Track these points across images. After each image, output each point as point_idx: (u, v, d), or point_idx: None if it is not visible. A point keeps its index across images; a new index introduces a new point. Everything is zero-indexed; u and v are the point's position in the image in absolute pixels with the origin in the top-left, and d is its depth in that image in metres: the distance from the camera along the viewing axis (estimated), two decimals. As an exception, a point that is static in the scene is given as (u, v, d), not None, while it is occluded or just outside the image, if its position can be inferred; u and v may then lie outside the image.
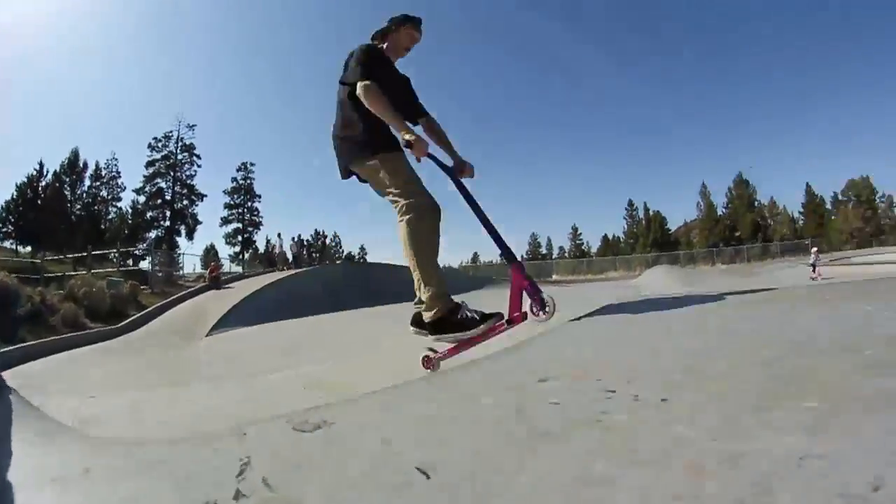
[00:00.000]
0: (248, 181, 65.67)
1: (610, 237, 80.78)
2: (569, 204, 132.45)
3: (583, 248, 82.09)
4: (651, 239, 70.60)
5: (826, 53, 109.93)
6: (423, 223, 3.14)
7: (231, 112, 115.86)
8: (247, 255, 60.48)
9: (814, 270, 20.36)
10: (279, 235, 35.43)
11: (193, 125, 60.71)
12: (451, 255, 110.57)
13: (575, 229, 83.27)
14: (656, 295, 4.94)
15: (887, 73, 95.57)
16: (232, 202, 64.65)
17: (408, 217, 3.12)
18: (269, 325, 11.25)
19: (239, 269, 41.89)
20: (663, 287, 18.67)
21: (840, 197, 68.11)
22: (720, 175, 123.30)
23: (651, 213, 74.49)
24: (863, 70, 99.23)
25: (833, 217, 67.27)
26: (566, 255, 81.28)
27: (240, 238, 63.48)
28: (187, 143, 59.94)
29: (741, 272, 29.45)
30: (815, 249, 23.68)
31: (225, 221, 63.72)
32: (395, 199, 3.19)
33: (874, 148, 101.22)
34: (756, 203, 70.98)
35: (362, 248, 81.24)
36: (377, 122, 3.17)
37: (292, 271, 23.94)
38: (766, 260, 49.48)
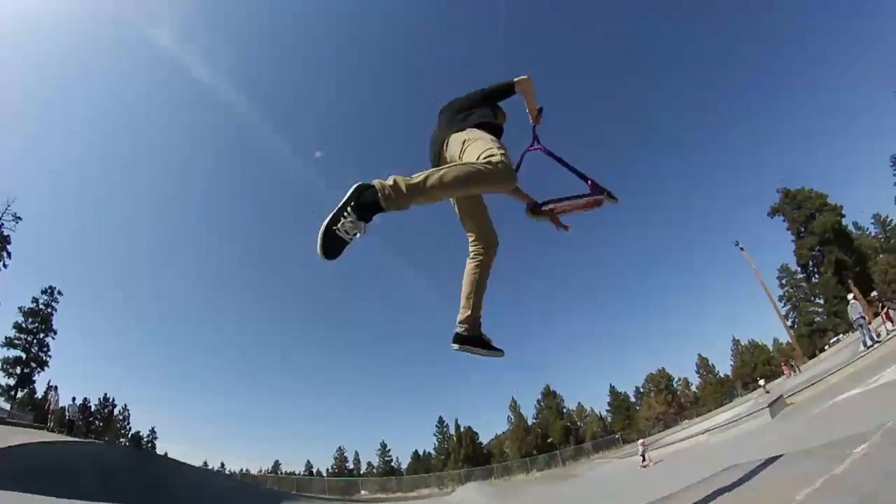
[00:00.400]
0: (49, 310, 51.94)
1: (421, 453, 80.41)
2: (378, 420, 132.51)
3: (392, 464, 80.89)
4: (463, 454, 70.49)
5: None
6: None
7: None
8: (20, 394, 48.11)
9: (644, 458, 20.92)
10: (55, 389, 29.05)
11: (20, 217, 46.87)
12: (249, 461, 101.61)
13: (384, 445, 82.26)
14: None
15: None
16: (23, 324, 50.09)
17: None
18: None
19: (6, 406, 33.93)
20: (482, 502, 17.47)
21: (642, 390, 77.23)
22: (530, 387, 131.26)
23: (462, 428, 75.30)
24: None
25: (638, 408, 75.47)
26: (374, 471, 79.42)
27: (19, 370, 48.08)
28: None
29: (559, 476, 28.91)
30: (641, 441, 24.74)
31: (8, 343, 48.77)
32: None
33: (664, 344, 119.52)
34: (564, 410, 75.82)
35: (153, 431, 72.23)
36: None
37: (62, 437, 19.85)
38: (580, 460, 50.14)
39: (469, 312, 3.66)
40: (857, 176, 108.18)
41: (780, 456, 3.74)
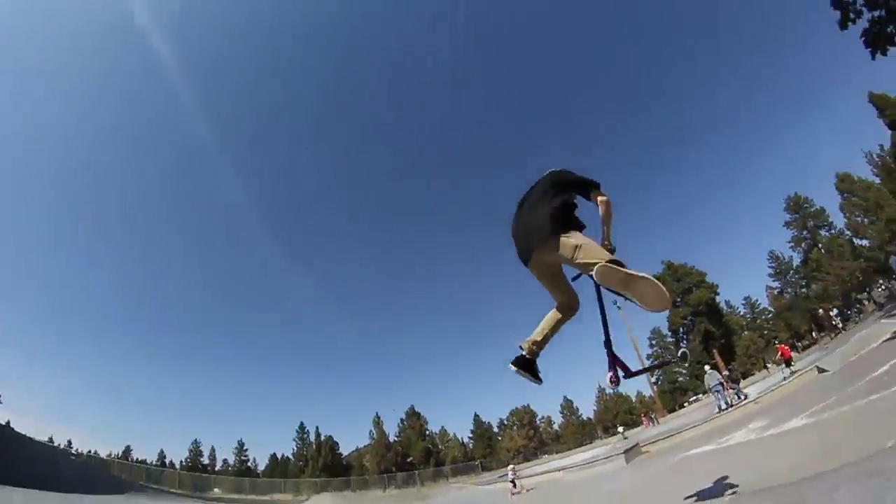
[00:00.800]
0: None
1: (279, 456, 78.27)
2: (238, 417, 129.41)
3: (248, 464, 78.45)
4: (322, 463, 69.10)
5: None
6: None
7: None
8: None
9: (515, 485, 20.58)
10: None
11: None
12: (99, 442, 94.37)
13: (241, 444, 79.60)
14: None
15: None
16: None
17: None
18: None
19: None
20: None
21: (506, 422, 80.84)
22: (395, 404, 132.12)
23: (323, 437, 73.85)
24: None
25: (500, 438, 78.35)
26: (229, 468, 76.74)
27: None
28: None
29: (413, 496, 28.75)
30: (511, 467, 24.18)
31: None
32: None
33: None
34: (427, 431, 76.02)
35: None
36: None
37: None
38: (438, 481, 50.45)
39: (538, 346, 4.50)
40: (736, 261, 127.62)
41: None
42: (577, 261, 3.77)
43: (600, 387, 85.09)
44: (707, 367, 24.30)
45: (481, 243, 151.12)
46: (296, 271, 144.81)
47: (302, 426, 75.83)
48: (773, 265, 76.12)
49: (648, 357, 74.93)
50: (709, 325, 65.92)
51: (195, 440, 79.62)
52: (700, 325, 65.86)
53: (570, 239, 3.86)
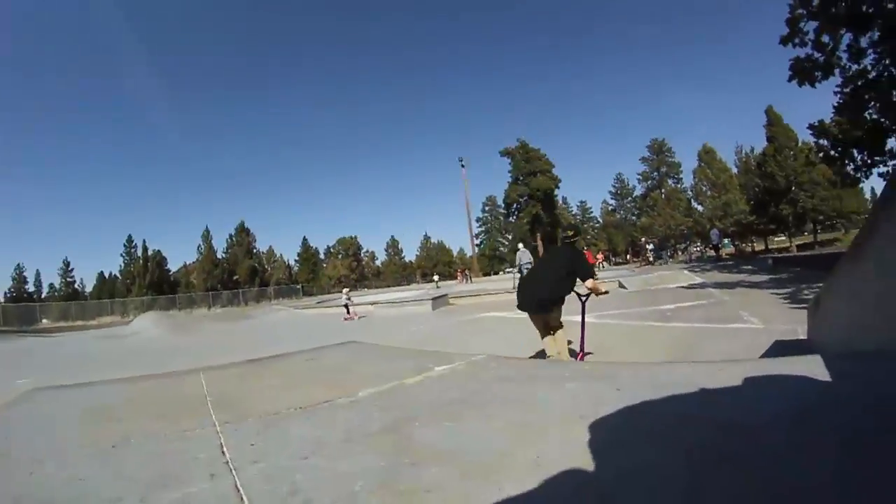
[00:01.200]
0: None
1: (107, 275, 74.09)
2: (60, 233, 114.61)
3: (76, 286, 73.77)
4: (148, 280, 66.92)
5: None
6: None
7: None
8: None
9: (348, 311, 21.02)
10: None
11: None
12: None
13: (67, 264, 74.03)
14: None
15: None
16: None
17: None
18: None
19: None
20: (156, 336, 17.69)
21: (332, 250, 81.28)
22: (225, 220, 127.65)
23: (150, 251, 70.40)
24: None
25: (324, 265, 78.57)
26: (56, 294, 70.85)
27: None
28: None
29: (236, 316, 29.81)
30: (346, 290, 24.57)
31: None
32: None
33: (363, 214, 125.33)
34: (255, 250, 75.60)
35: None
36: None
37: None
38: (262, 302, 51.85)
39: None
40: (586, 169, 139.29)
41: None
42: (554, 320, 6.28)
43: (427, 234, 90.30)
44: (521, 246, 26.05)
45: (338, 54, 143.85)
46: (127, 55, 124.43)
47: (130, 240, 71.29)
48: (617, 185, 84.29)
49: (479, 220, 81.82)
50: (540, 211, 70.39)
51: (18, 265, 72.37)
52: (533, 208, 70.08)
53: (557, 313, 6.22)
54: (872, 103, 20.84)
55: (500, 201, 79.16)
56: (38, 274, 73.84)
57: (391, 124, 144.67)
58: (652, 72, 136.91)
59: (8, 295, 68.32)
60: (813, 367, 2.55)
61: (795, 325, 7.27)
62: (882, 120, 20.83)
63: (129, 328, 22.42)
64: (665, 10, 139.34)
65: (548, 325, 6.29)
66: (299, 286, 63.71)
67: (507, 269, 65.54)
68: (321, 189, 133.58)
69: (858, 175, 22.59)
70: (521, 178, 71.40)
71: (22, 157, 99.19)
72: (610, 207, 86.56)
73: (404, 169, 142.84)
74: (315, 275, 77.61)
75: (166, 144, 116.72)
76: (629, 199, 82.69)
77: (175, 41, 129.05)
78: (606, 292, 6.23)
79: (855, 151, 22.18)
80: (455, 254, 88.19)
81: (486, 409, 2.74)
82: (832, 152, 23.13)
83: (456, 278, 54.76)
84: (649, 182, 76.71)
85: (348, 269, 77.93)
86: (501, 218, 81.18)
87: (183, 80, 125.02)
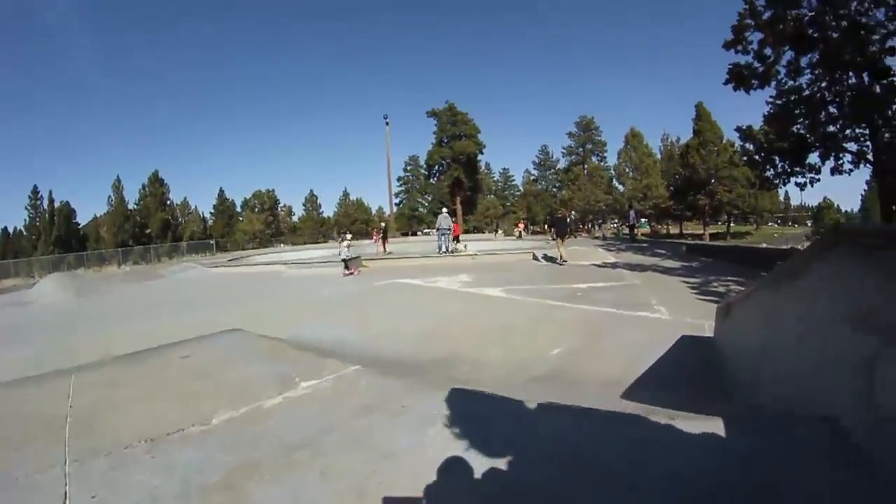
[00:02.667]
0: None
1: (11, 231, 66.40)
2: None
3: None
4: (55, 236, 61.78)
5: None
6: None
7: None
8: None
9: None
10: None
11: None
12: None
13: None
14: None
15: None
16: None
17: None
18: None
19: None
20: (59, 302, 16.55)
21: (249, 203, 78.06)
22: (137, 170, 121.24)
23: (57, 204, 64.76)
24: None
25: (241, 219, 76.22)
26: None
27: None
28: None
29: (145, 274, 28.36)
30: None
31: None
32: None
33: (278, 167, 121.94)
34: (169, 202, 72.32)
35: None
36: None
37: None
38: (174, 258, 49.69)
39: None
40: (512, 137, 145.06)
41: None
42: None
43: (346, 191, 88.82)
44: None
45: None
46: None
47: (35, 191, 64.76)
48: (541, 156, 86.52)
49: (399, 179, 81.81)
50: (462, 175, 71.18)
51: None
52: (455, 171, 70.75)
53: None
54: (802, 119, 21.80)
55: (422, 162, 79.41)
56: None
57: (315, 75, 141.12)
58: (587, 52, 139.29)
59: None
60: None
61: (703, 319, 7.32)
62: (808, 136, 21.88)
63: (33, 292, 20.95)
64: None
65: None
66: (212, 241, 60.61)
67: (426, 230, 65.59)
68: (240, 138, 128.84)
69: (777, 181, 24.08)
70: (446, 140, 71.66)
71: None
72: (532, 177, 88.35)
73: (327, 123, 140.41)
74: (231, 229, 74.95)
75: (75, 84, 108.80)
76: (552, 171, 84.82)
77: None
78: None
79: (777, 159, 23.29)
80: (374, 212, 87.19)
81: (333, 460, 2.53)
82: (756, 157, 24.26)
83: (373, 239, 53.73)
84: (574, 157, 78.97)
85: (263, 224, 75.36)
86: (422, 179, 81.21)
87: (93, 15, 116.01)
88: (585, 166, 75.97)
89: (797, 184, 23.33)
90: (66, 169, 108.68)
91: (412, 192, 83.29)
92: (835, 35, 19.93)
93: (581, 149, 77.96)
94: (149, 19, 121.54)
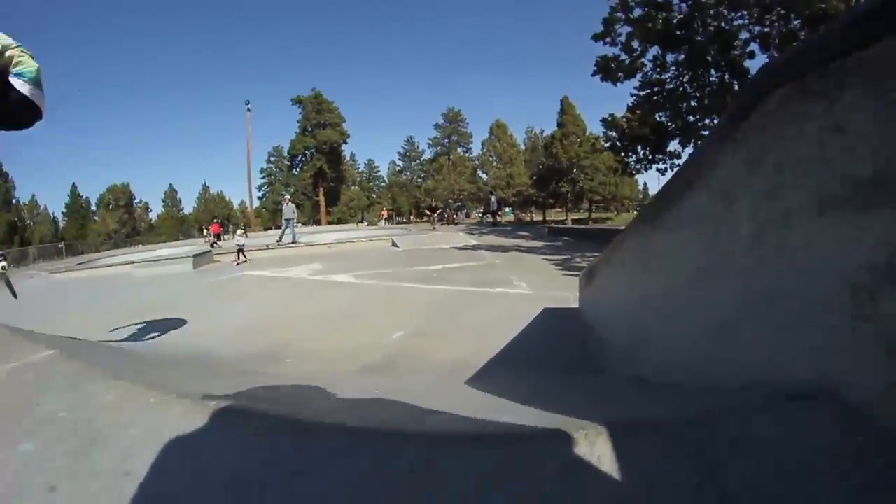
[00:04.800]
0: None
1: None
2: None
3: None
4: None
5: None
6: None
7: None
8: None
9: (240, 255, 18.70)
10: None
11: None
12: None
13: None
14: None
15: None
16: None
17: None
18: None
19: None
20: None
21: (104, 199, 71.45)
22: None
23: None
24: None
25: (95, 219, 69.56)
26: None
27: None
28: None
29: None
30: (240, 232, 22.22)
31: None
32: None
33: (134, 160, 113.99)
34: (15, 200, 64.64)
35: None
36: None
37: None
38: (21, 266, 44.27)
39: None
40: (377, 127, 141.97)
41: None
42: None
43: (205, 184, 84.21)
44: (287, 198, 24.83)
45: None
46: None
47: None
48: (407, 147, 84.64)
49: (262, 171, 78.10)
50: (325, 166, 69.50)
51: None
52: (318, 161, 68.87)
53: None
54: (664, 109, 22.83)
55: (286, 153, 76.57)
56: None
57: (173, 60, 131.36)
58: (455, 46, 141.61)
59: None
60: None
61: (568, 292, 6.89)
62: (669, 124, 22.87)
63: None
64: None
65: None
66: (61, 245, 53.94)
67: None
68: (93, 129, 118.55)
69: (639, 167, 24.85)
70: (310, 128, 69.61)
71: None
72: (398, 168, 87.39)
73: (186, 115, 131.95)
74: (84, 230, 67.64)
75: None
76: (417, 161, 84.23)
77: None
78: None
79: (640, 147, 24.09)
80: (236, 206, 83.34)
81: None
82: (618, 143, 24.88)
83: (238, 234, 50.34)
84: (439, 148, 78.83)
85: (118, 223, 69.18)
86: (285, 170, 78.06)
87: None
88: (451, 157, 76.43)
89: (658, 170, 24.23)
90: None
91: (276, 185, 79.83)
92: (700, 39, 20.93)
93: (447, 140, 78.01)
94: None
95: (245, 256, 18.67)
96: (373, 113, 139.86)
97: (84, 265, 27.54)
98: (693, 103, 22.29)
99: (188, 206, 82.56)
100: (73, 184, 73.09)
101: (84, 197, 71.98)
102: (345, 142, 72.45)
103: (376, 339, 5.58)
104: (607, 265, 3.92)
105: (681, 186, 2.15)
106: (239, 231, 22.36)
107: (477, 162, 75.85)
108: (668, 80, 22.55)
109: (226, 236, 36.05)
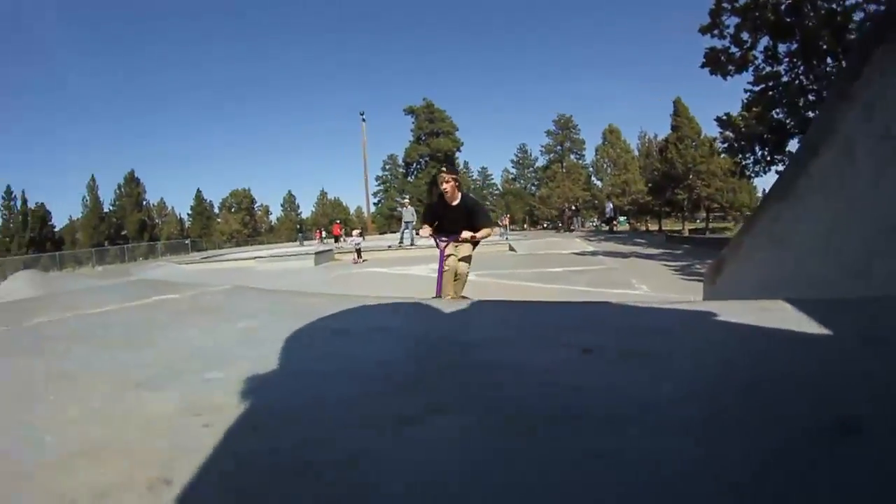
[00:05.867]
0: None
1: None
2: None
3: None
4: (28, 237, 59.93)
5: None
6: None
7: None
8: None
9: (359, 255, 19.69)
10: None
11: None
12: None
13: None
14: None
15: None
16: None
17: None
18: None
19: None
20: (26, 296, 15.80)
21: (226, 203, 76.52)
22: (111, 171, 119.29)
23: (32, 206, 62.70)
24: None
25: (218, 221, 74.78)
26: None
27: None
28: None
29: (114, 274, 27.70)
30: (357, 231, 24.08)
31: None
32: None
33: (254, 166, 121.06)
34: (145, 202, 70.94)
35: None
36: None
37: None
38: (150, 258, 48.76)
39: None
40: (490, 135, 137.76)
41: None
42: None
43: (323, 190, 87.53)
44: (406, 202, 25.90)
45: None
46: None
47: (8, 191, 61.79)
48: (519, 155, 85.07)
49: (378, 178, 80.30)
50: (440, 173, 69.59)
51: None
52: (433, 169, 69.28)
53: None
54: (780, 105, 21.62)
55: (401, 161, 78.67)
56: None
57: (292, 74, 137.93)
58: (565, 51, 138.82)
59: None
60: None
61: (690, 294, 6.97)
62: (787, 121, 21.56)
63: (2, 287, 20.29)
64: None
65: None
66: (187, 241, 59.12)
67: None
68: (217, 138, 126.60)
69: (757, 169, 23.70)
70: (424, 137, 71.37)
71: None
72: (511, 176, 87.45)
73: (305, 122, 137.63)
74: (208, 229, 73.12)
75: (49, 83, 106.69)
76: (530, 169, 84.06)
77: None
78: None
79: (757, 146, 22.92)
80: (353, 211, 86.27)
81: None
82: (735, 144, 23.79)
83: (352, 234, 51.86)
84: (552, 155, 78.01)
85: (241, 224, 73.93)
86: (401, 177, 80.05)
87: (69, 11, 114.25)
88: (563, 164, 75.55)
89: (777, 172, 22.58)
90: (39, 170, 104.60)
91: (391, 192, 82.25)
92: (811, 24, 19.70)
93: (559, 147, 77.19)
94: (124, 16, 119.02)
95: (362, 256, 19.43)
96: (485, 121, 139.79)
97: (209, 258, 29.78)
98: (811, 97, 21.00)
99: (306, 211, 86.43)
100: (198, 189, 79.83)
101: (208, 200, 77.70)
102: (458, 149, 73.48)
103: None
104: (735, 254, 3.96)
105: (807, 154, 2.34)
106: (356, 232, 23.51)
107: (591, 168, 74.29)
108: (783, 73, 21.48)
109: (345, 238, 37.83)
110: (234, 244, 62.62)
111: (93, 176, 66.10)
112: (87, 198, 65.43)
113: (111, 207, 67.49)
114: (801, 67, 21.00)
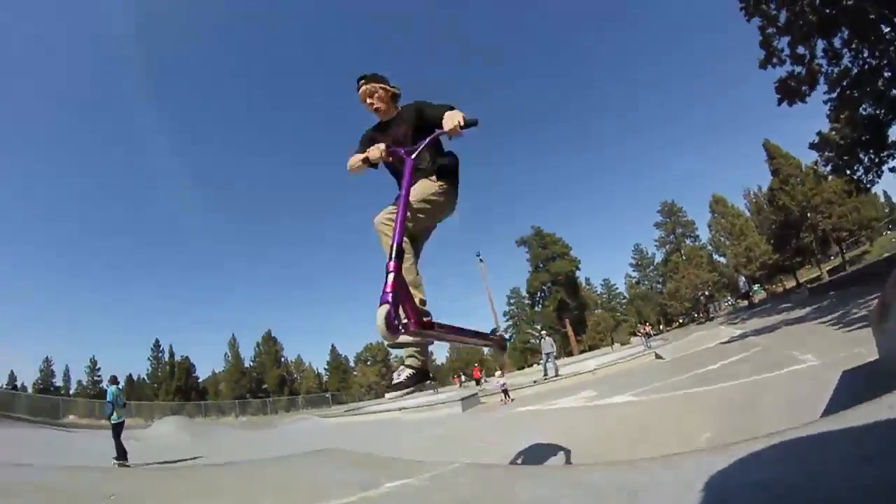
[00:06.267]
0: None
1: (135, 378, 71.77)
2: (90, 334, 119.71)
3: (102, 385, 68.42)
4: (175, 385, 65.87)
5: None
6: None
7: None
8: None
9: (506, 395, 19.15)
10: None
11: None
12: None
13: (94, 363, 71.59)
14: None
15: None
16: None
17: None
18: None
19: None
20: (174, 440, 16.92)
21: (361, 357, 78.87)
22: (251, 330, 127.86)
23: (179, 357, 69.82)
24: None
25: (354, 374, 77.57)
26: (86, 390, 68.06)
27: None
28: None
29: (259, 425, 29.03)
30: (499, 373, 24.27)
31: None
32: None
33: None
34: (283, 359, 75.06)
35: None
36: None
37: None
38: (291, 412, 50.59)
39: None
40: (604, 247, 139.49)
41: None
42: None
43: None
44: (544, 334, 25.58)
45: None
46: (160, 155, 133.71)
47: (157, 344, 70.58)
48: (636, 257, 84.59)
49: (505, 314, 79.31)
50: (565, 296, 70.53)
51: (46, 359, 70.70)
52: (557, 294, 70.19)
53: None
54: (864, 97, 20.74)
55: (524, 292, 78.73)
56: (66, 369, 71.29)
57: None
58: (647, 140, 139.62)
59: (36, 387, 66.38)
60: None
61: (858, 347, 6.47)
62: (877, 112, 20.61)
63: (150, 431, 21.89)
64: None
65: None
66: (328, 395, 62.13)
67: (539, 361, 63.79)
68: (348, 296, 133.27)
69: (870, 176, 22.43)
70: (541, 264, 71.99)
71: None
72: (634, 280, 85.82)
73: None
74: (346, 382, 76.16)
75: (196, 252, 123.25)
76: (651, 267, 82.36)
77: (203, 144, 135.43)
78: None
79: (861, 153, 21.84)
80: (486, 352, 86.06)
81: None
82: (839, 161, 22.84)
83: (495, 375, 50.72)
84: (667, 246, 76.73)
85: (378, 376, 75.04)
86: (527, 308, 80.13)
87: (209, 183, 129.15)
88: (682, 252, 73.39)
89: (890, 169, 21.65)
90: (185, 326, 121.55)
91: (520, 325, 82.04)
92: (849, 2, 18.79)
93: (672, 235, 75.91)
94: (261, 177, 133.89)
95: (510, 395, 18.55)
96: (594, 232, 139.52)
97: (351, 411, 30.30)
98: (886, 73, 19.77)
99: (441, 357, 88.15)
100: (332, 344, 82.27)
101: (342, 355, 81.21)
102: (577, 268, 73.34)
103: (687, 445, 5.34)
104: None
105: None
106: (498, 374, 23.49)
107: (710, 247, 71.56)
108: (850, 65, 20.36)
109: (486, 379, 38.02)
110: (374, 395, 63.87)
111: (233, 335, 72.22)
112: (229, 353, 71.29)
113: (251, 363, 72.43)
114: (864, 50, 19.94)
